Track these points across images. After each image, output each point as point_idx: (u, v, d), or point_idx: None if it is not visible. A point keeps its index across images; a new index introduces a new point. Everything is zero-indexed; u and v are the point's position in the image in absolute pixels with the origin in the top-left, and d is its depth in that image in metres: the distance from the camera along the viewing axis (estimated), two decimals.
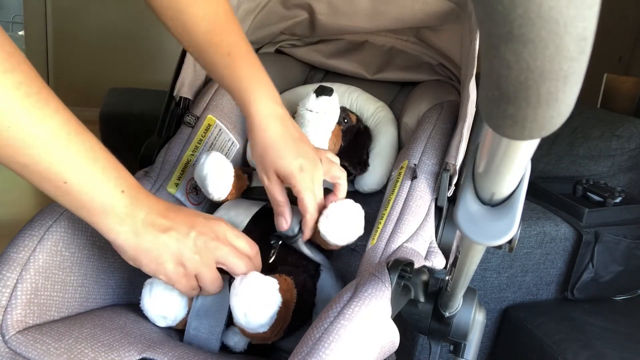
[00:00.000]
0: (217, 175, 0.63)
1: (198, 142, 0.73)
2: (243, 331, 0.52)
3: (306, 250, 0.63)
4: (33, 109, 0.39)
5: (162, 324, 0.57)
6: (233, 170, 0.65)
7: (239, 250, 0.53)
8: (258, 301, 0.49)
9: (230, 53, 0.58)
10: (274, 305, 0.51)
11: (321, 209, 0.60)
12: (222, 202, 0.67)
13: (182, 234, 0.49)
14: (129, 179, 0.47)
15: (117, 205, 0.45)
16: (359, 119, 0.79)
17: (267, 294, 0.50)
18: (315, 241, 0.63)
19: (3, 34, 0.38)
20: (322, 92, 0.71)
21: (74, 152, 0.42)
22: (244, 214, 0.64)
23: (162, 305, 0.55)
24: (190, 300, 0.58)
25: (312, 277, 0.63)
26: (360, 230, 0.60)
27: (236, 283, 0.50)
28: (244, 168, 0.73)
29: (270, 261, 0.62)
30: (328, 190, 0.65)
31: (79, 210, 0.45)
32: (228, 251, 0.51)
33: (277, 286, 0.52)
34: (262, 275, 0.51)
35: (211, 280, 0.51)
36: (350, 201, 0.60)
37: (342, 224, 0.58)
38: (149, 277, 0.57)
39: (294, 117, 0.71)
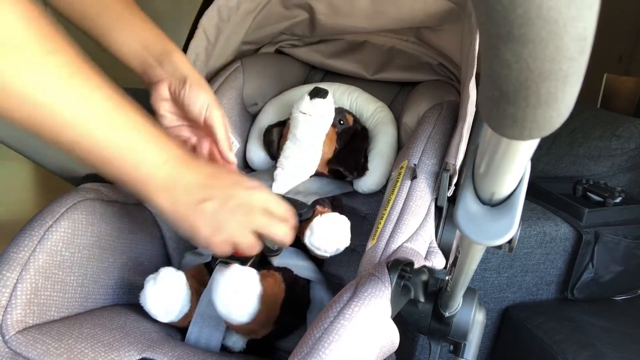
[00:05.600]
0: None
1: None
2: (228, 324, 0.53)
3: (284, 262, 0.63)
4: (76, 87, 0.41)
5: (164, 319, 0.57)
6: None
7: (279, 217, 0.53)
8: (237, 291, 0.50)
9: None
10: (254, 295, 0.52)
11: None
12: None
13: (219, 204, 0.49)
14: (173, 149, 0.48)
15: (157, 176, 0.47)
16: (356, 120, 0.78)
17: (246, 284, 0.51)
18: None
19: (44, 16, 0.39)
20: (316, 94, 0.69)
21: (116, 125, 0.44)
22: None
23: (165, 298, 0.56)
24: (195, 296, 0.58)
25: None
26: (346, 242, 0.62)
27: (216, 275, 0.51)
28: None
29: (249, 264, 0.61)
30: (316, 202, 0.66)
31: (122, 179, 0.46)
32: (266, 221, 0.52)
33: (257, 276, 0.53)
34: (241, 267, 0.52)
35: (247, 246, 0.52)
36: (336, 214, 0.62)
37: (327, 237, 0.60)
38: (148, 277, 0.57)
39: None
